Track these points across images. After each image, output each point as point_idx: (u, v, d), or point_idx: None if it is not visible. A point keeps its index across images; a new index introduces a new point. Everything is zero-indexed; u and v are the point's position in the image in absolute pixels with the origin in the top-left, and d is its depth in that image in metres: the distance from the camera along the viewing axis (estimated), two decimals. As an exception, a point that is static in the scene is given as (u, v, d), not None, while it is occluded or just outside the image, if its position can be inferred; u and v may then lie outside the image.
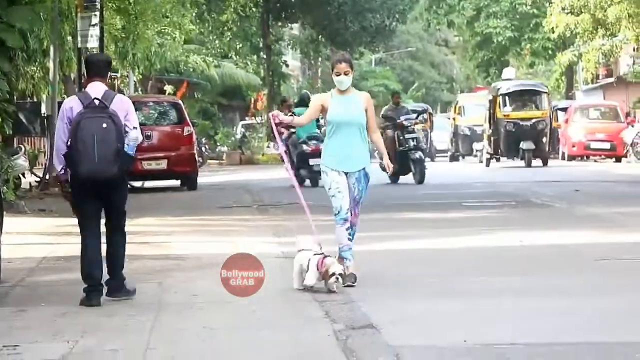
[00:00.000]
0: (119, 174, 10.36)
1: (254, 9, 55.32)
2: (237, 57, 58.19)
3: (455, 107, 54.02)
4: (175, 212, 20.36)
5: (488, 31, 65.67)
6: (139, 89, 45.29)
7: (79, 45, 28.89)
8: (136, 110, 10.93)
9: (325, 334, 8.58)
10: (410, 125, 26.34)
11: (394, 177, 26.56)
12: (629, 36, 47.25)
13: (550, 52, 61.99)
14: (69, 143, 10.29)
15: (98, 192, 10.40)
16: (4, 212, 12.22)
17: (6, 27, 20.69)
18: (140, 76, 42.80)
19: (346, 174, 11.04)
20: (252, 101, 58.71)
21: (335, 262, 10.44)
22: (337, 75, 11.10)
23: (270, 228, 17.10)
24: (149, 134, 26.05)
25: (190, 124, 28.74)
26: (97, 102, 10.34)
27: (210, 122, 55.33)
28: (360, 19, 58.35)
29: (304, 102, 28.75)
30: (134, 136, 10.46)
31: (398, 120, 26.33)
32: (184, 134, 27.75)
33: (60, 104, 29.06)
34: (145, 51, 34.55)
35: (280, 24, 60.53)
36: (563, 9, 46.83)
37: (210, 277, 12.00)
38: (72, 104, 10.48)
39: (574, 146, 43.11)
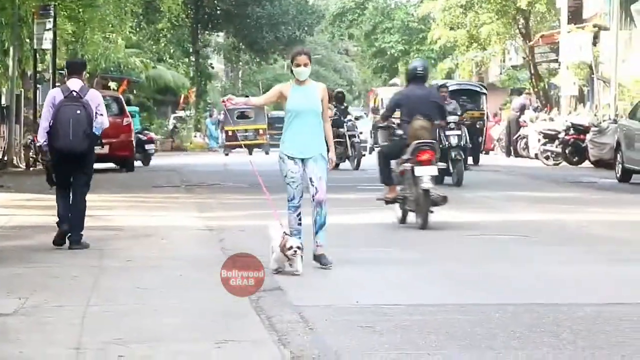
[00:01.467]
0: (88, 149, 11.35)
1: (185, 19, 54.88)
2: (171, 59, 57.80)
3: (374, 100, 45.13)
4: (115, 190, 20.14)
5: (383, 46, 65.83)
6: (86, 85, 44.76)
7: (35, 46, 28.57)
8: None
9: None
10: (451, 122, 21.17)
11: (439, 177, 19.17)
12: (497, 50, 47.84)
13: (433, 61, 62.36)
14: (51, 123, 11.22)
15: (71, 161, 11.33)
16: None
17: (-29, 30, 20.31)
18: (88, 74, 42.27)
19: (303, 160, 10.10)
20: (184, 97, 58.47)
21: (293, 237, 9.76)
22: (297, 67, 10.05)
23: (195, 205, 16.98)
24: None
25: (128, 115, 28.55)
26: (74, 93, 11.34)
27: (147, 115, 55.00)
28: (275, 31, 58.34)
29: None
30: (101, 121, 11.43)
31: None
32: (123, 124, 27.53)
33: (18, 96, 28.84)
34: (92, 53, 34.11)
35: (207, 32, 60.33)
36: (445, 23, 47.19)
37: (144, 245, 11.92)
38: (55, 94, 11.47)
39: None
